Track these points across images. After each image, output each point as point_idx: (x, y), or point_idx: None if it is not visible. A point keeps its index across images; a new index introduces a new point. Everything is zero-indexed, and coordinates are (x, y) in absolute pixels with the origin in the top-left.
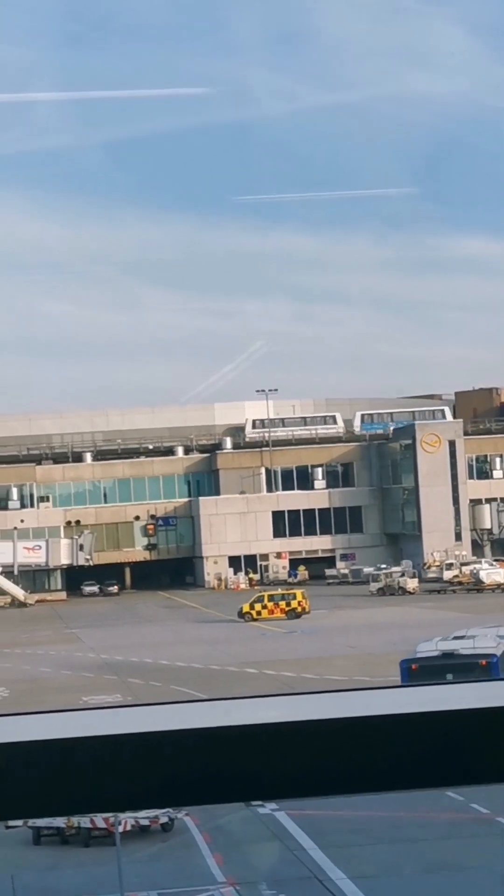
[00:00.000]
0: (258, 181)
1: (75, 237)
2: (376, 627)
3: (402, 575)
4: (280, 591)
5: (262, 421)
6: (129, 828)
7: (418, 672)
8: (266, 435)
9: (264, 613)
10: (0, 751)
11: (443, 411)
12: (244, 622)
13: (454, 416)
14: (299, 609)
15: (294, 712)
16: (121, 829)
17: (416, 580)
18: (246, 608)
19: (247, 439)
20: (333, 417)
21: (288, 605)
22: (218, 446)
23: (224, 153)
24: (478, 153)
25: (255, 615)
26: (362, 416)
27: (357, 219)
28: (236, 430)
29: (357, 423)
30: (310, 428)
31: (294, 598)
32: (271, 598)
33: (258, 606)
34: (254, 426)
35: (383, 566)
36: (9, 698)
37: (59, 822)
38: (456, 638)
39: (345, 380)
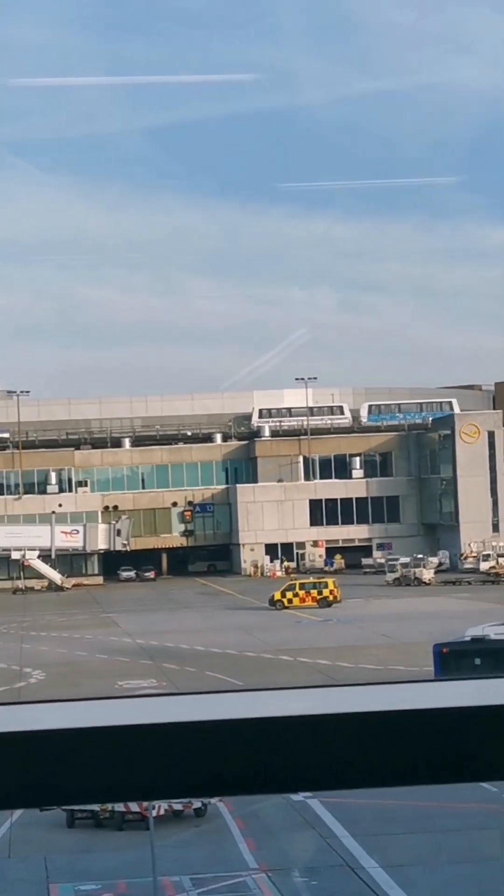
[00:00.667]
0: (302, 168)
1: (117, 223)
2: (413, 617)
3: (418, 566)
4: (312, 579)
5: (269, 410)
6: (162, 812)
7: (449, 655)
8: (304, 423)
9: (296, 601)
10: (36, 738)
11: (451, 403)
12: (276, 609)
13: (494, 407)
14: (331, 598)
15: (329, 704)
16: (154, 813)
17: (433, 571)
18: (277, 596)
19: (253, 428)
20: (341, 408)
21: (319, 593)
22: (256, 434)
23: (268, 140)
24: None
25: (286, 603)
26: (369, 406)
27: (400, 207)
28: (244, 419)
29: (364, 413)
30: (317, 418)
31: (326, 586)
32: (303, 586)
33: (289, 594)
34: (260, 415)
35: (396, 556)
36: (45, 681)
37: (94, 805)
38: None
39: (385, 369)
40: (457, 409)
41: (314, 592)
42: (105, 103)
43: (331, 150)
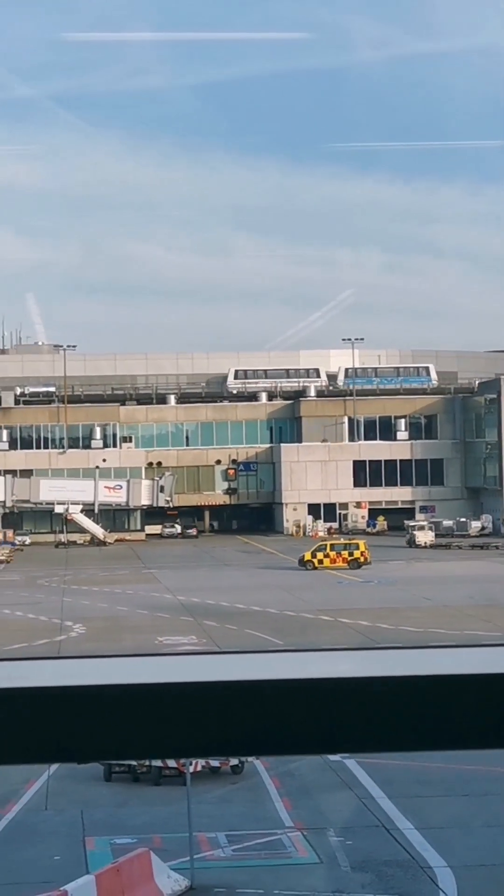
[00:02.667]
0: (351, 128)
1: (166, 179)
2: (455, 580)
3: (416, 528)
4: (343, 540)
5: (244, 372)
6: (199, 769)
7: None
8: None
9: (326, 562)
10: (74, 693)
11: (427, 369)
12: (306, 570)
13: None
14: (362, 559)
15: (370, 666)
16: (191, 769)
17: (432, 534)
18: (307, 556)
19: (228, 390)
20: (317, 371)
21: (350, 554)
22: (301, 393)
23: (318, 99)
24: None
25: (316, 563)
26: (346, 370)
27: (450, 170)
28: (221, 380)
29: (341, 377)
30: (293, 380)
31: (357, 548)
32: (333, 547)
33: (320, 555)
34: (236, 376)
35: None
36: (85, 635)
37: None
38: None
39: (431, 331)
40: (433, 376)
41: (345, 553)
42: (156, 58)
43: (381, 110)
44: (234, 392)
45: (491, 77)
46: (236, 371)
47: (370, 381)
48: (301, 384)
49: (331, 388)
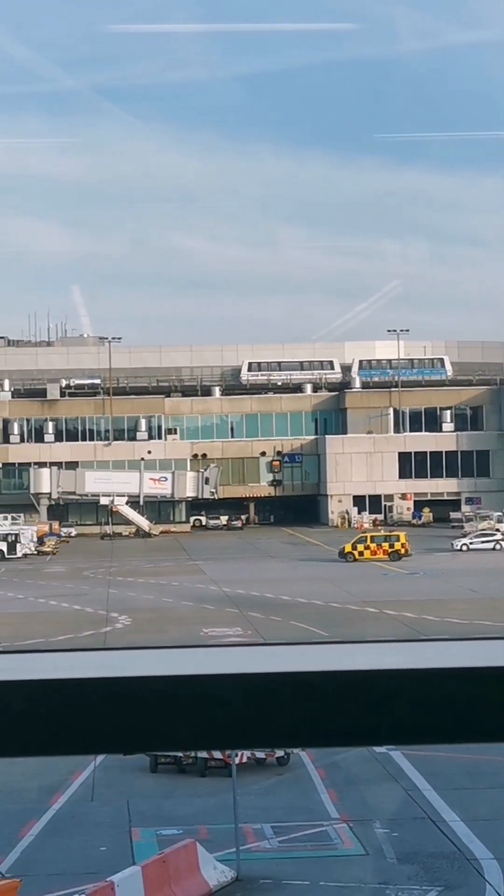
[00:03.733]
0: (395, 119)
1: (210, 171)
2: (501, 572)
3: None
4: (383, 532)
5: (258, 364)
6: (244, 760)
7: None
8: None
9: (367, 554)
10: (120, 683)
11: (442, 360)
12: (347, 562)
13: None
14: (402, 551)
15: (415, 659)
16: (237, 761)
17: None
18: (348, 548)
19: (242, 382)
20: (331, 363)
21: (391, 546)
22: (347, 385)
23: (362, 90)
24: None
25: (356, 555)
26: (360, 362)
27: (495, 159)
28: (234, 372)
29: (355, 369)
30: (307, 372)
31: (397, 539)
32: (374, 539)
33: (360, 546)
34: (249, 368)
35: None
36: (131, 627)
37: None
38: None
39: (478, 323)
40: (448, 367)
41: (385, 545)
42: (200, 50)
43: (425, 100)
44: (247, 384)
45: None
46: (250, 363)
47: (385, 372)
48: (315, 376)
49: (346, 379)
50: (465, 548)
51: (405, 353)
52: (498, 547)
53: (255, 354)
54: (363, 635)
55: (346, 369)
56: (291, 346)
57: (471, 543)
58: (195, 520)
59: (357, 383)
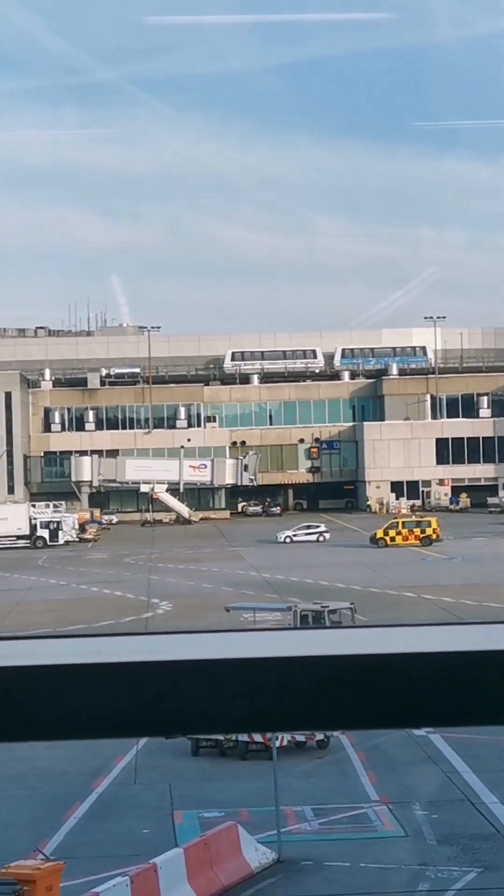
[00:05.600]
0: (431, 107)
1: (246, 161)
2: None
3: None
4: (414, 518)
5: (241, 353)
6: (285, 743)
7: None
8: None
9: (398, 539)
10: (162, 667)
11: (424, 349)
12: (378, 547)
13: None
14: (434, 536)
15: (454, 642)
16: (277, 744)
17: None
18: (380, 534)
19: (226, 372)
20: (314, 352)
21: (423, 532)
22: (384, 372)
23: (398, 78)
24: None
25: (388, 541)
26: (343, 350)
27: None
28: (214, 361)
29: (337, 357)
30: (290, 361)
31: (429, 525)
32: (405, 524)
33: (392, 532)
34: (233, 358)
35: None
36: (171, 612)
37: (218, 735)
38: None
39: None
40: (429, 355)
41: (417, 531)
42: (235, 41)
43: (462, 89)
44: (230, 373)
45: None
46: (233, 353)
47: (367, 360)
48: (297, 365)
49: (329, 369)
50: (288, 539)
51: (442, 340)
52: (322, 539)
53: (292, 342)
54: (402, 619)
55: (329, 358)
56: (329, 333)
57: (294, 535)
58: (243, 506)
59: (394, 370)
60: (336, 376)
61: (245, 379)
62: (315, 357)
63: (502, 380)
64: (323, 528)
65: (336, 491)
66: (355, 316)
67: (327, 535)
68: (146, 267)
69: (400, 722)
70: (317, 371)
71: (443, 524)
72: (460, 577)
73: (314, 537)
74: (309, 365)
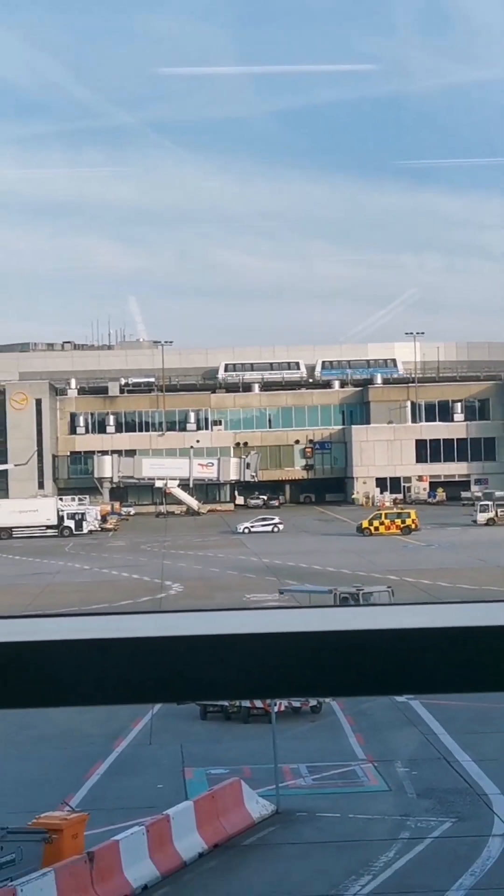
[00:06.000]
0: (412, 147)
1: (248, 194)
2: None
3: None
4: (396, 510)
5: (233, 365)
6: (283, 708)
7: None
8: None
9: (381, 529)
10: (174, 642)
11: (394, 360)
12: (364, 536)
13: None
14: (413, 526)
15: (428, 619)
16: (276, 709)
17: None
18: (365, 524)
19: (220, 381)
20: (297, 364)
21: (403, 522)
22: (370, 381)
23: (382, 121)
24: None
25: (372, 530)
26: (323, 362)
27: (499, 182)
28: (212, 372)
29: (318, 368)
30: (276, 372)
31: (409, 516)
32: (388, 516)
33: (376, 523)
34: (226, 369)
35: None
36: (182, 593)
37: (223, 701)
38: None
39: (486, 325)
40: (400, 368)
41: (398, 521)
42: (238, 89)
43: (437, 130)
44: (224, 382)
45: None
46: (226, 364)
47: (344, 371)
48: (283, 375)
49: (310, 379)
50: (246, 530)
51: (421, 353)
52: (276, 529)
53: (288, 355)
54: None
55: (311, 369)
56: (321, 347)
57: (251, 526)
58: (249, 500)
59: (378, 379)
60: (327, 385)
61: (247, 387)
62: (298, 368)
63: (474, 388)
64: (277, 520)
65: (338, 486)
66: (345, 331)
67: (281, 527)
68: (159, 289)
69: (383, 689)
70: (299, 380)
71: (421, 515)
72: (436, 562)
73: (269, 528)
74: (293, 374)
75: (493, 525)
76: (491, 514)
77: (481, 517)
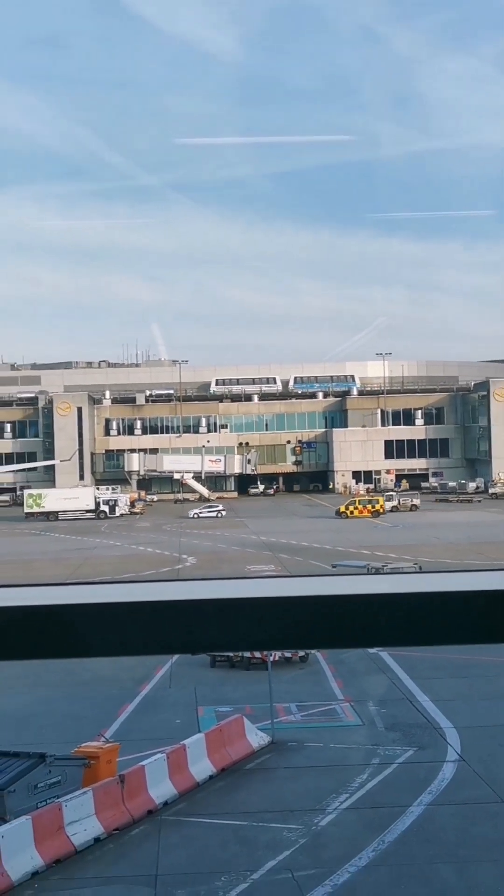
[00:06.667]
0: (381, 203)
1: (248, 241)
2: (457, 525)
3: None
4: (367, 497)
5: (223, 380)
6: (277, 658)
7: None
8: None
9: (356, 513)
10: (190, 604)
11: (353, 376)
12: (342, 519)
13: None
14: (381, 510)
15: (396, 586)
16: (271, 659)
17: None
18: (342, 508)
19: (212, 393)
20: (274, 379)
21: (373, 507)
22: (348, 392)
23: (357, 182)
24: None
25: (348, 514)
26: (295, 378)
27: (452, 231)
28: (205, 386)
29: (291, 383)
30: (257, 385)
31: (377, 502)
32: (360, 502)
33: (351, 507)
34: (217, 384)
35: (446, 481)
36: (196, 564)
37: (229, 652)
38: None
39: (443, 348)
40: (357, 381)
41: (369, 507)
42: (241, 155)
43: (402, 189)
44: (215, 394)
45: (481, 165)
46: (217, 379)
47: (311, 385)
48: (262, 388)
49: (282, 391)
50: (196, 515)
51: (388, 371)
52: (219, 515)
53: (282, 371)
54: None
55: (285, 383)
56: (308, 364)
57: (200, 512)
58: (255, 489)
59: (354, 391)
60: (309, 395)
61: (248, 398)
62: (275, 382)
63: (432, 398)
64: (220, 507)
65: (321, 477)
66: (327, 352)
67: (224, 513)
68: (177, 317)
69: (357, 643)
70: (275, 392)
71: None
72: (401, 540)
73: (214, 514)
74: (269, 388)
75: (396, 511)
76: (395, 503)
77: (388, 504)
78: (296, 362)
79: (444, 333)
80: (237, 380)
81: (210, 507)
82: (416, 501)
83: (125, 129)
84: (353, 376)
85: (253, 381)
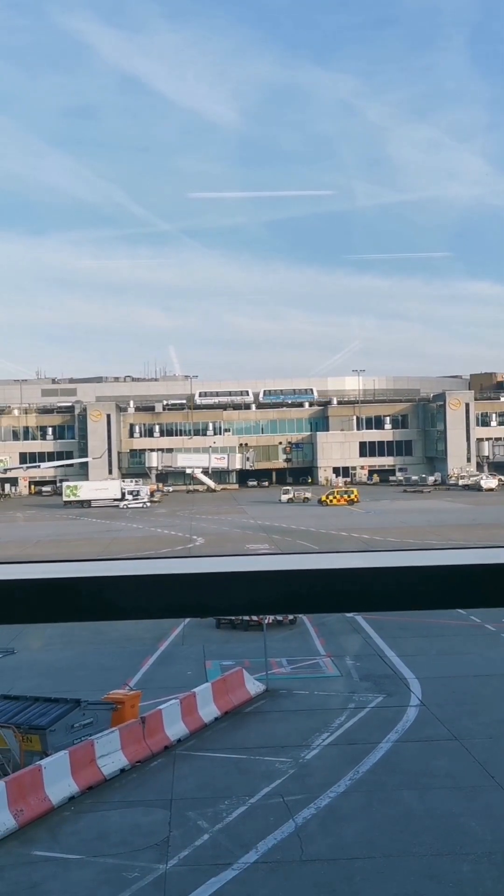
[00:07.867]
0: (356, 246)
1: (247, 278)
2: (421, 511)
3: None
4: (344, 487)
5: (205, 392)
6: (270, 621)
7: None
8: (229, 399)
9: (334, 501)
10: (198, 576)
11: (312, 390)
12: (323, 507)
13: (469, 389)
14: (356, 500)
15: (368, 561)
16: (266, 622)
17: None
18: (324, 498)
19: (197, 404)
20: (247, 392)
21: (349, 496)
22: (329, 402)
23: (336, 229)
24: (489, 233)
25: (329, 503)
26: (265, 391)
27: (413, 270)
28: (191, 397)
29: (262, 395)
30: (234, 397)
31: (353, 493)
32: (338, 492)
33: (330, 497)
34: (201, 395)
35: (407, 476)
36: (205, 544)
37: (231, 616)
38: None
39: (407, 365)
40: (315, 396)
41: (346, 496)
42: (241, 207)
43: (373, 235)
44: (201, 404)
45: (439, 215)
46: (200, 392)
47: (278, 396)
48: (236, 400)
49: (254, 402)
50: (125, 506)
51: (362, 385)
52: (147, 505)
53: (275, 384)
54: (338, 548)
55: (256, 395)
56: (296, 379)
57: (129, 504)
58: (255, 483)
59: (334, 401)
60: (300, 405)
61: (248, 406)
62: (248, 394)
63: (398, 407)
64: (146, 500)
65: (308, 472)
66: (311, 369)
67: (148, 505)
68: (190, 340)
69: (337, 608)
70: (249, 403)
71: (362, 492)
72: (373, 524)
73: (140, 505)
74: (243, 399)
75: (293, 503)
76: (291, 496)
77: (284, 497)
78: (283, 377)
79: (408, 354)
80: (216, 392)
81: (137, 499)
82: (308, 495)
83: (146, 185)
84: (311, 389)
85: (230, 394)
